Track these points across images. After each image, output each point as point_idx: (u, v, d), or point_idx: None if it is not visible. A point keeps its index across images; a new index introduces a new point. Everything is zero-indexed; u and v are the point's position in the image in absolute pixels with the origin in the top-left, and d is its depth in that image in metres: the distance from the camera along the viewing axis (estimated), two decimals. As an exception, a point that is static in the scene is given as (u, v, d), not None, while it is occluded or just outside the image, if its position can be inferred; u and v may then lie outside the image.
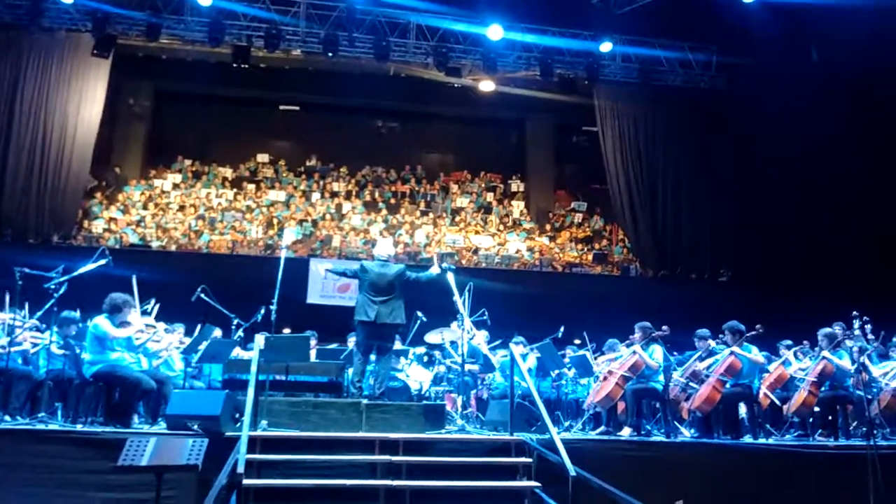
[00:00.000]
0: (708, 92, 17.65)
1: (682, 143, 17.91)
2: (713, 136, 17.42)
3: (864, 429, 7.85)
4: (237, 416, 7.35)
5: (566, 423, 9.42)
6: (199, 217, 17.51)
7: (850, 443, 8.35)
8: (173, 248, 16.21)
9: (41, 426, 7.30)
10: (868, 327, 9.59)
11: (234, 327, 9.63)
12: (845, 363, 8.70)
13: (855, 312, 8.83)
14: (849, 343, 8.87)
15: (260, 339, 7.18)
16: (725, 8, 15.42)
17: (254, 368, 6.73)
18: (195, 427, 6.81)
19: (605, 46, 16.68)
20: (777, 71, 15.89)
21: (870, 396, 8.89)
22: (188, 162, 19.78)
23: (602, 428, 8.88)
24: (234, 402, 7.35)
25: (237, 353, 9.78)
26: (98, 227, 16.55)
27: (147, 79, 19.18)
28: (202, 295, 9.21)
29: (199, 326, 9.51)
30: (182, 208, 17.92)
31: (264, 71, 18.13)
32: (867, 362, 9.02)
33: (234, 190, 19.22)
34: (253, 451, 6.41)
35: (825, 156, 15.88)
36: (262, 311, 8.76)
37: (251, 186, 19.41)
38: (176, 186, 18.86)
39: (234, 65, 16.43)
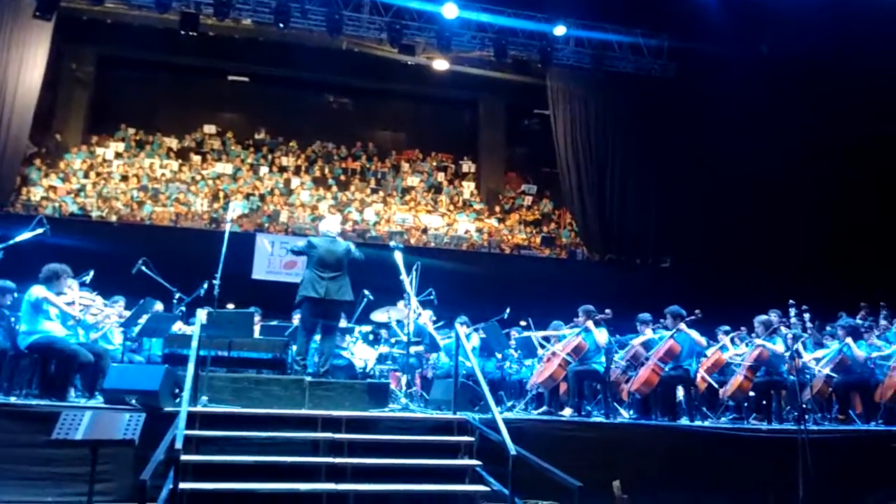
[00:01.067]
0: (659, 79, 17.83)
1: (632, 129, 18.12)
2: (663, 122, 17.63)
3: (796, 413, 8.10)
4: (177, 391, 7.23)
5: (509, 403, 9.53)
6: (141, 188, 17.09)
7: (783, 427, 8.62)
8: (114, 218, 15.79)
9: (-27, 398, 7.08)
10: (806, 315, 9.90)
11: (175, 301, 9.46)
12: (779, 349, 8.96)
13: (791, 301, 9.09)
14: (784, 330, 9.13)
15: (202, 314, 7.06)
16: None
17: (194, 343, 6.61)
18: (133, 402, 6.69)
19: (559, 30, 16.71)
20: (726, 59, 16.11)
21: (803, 382, 9.22)
22: (132, 131, 19.25)
23: (544, 408, 9.00)
24: (175, 377, 7.23)
25: (179, 327, 9.61)
26: (37, 194, 16.04)
27: (91, 44, 18.58)
28: (143, 268, 9.02)
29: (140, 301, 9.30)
30: (125, 178, 17.46)
31: (213, 39, 17.71)
32: (801, 349, 9.33)
33: (179, 161, 18.80)
34: (192, 427, 6.32)
35: (771, 144, 16.22)
36: (206, 286, 8.61)
37: (197, 158, 19.01)
38: (119, 155, 18.35)
39: (182, 32, 15.97)
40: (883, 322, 10.30)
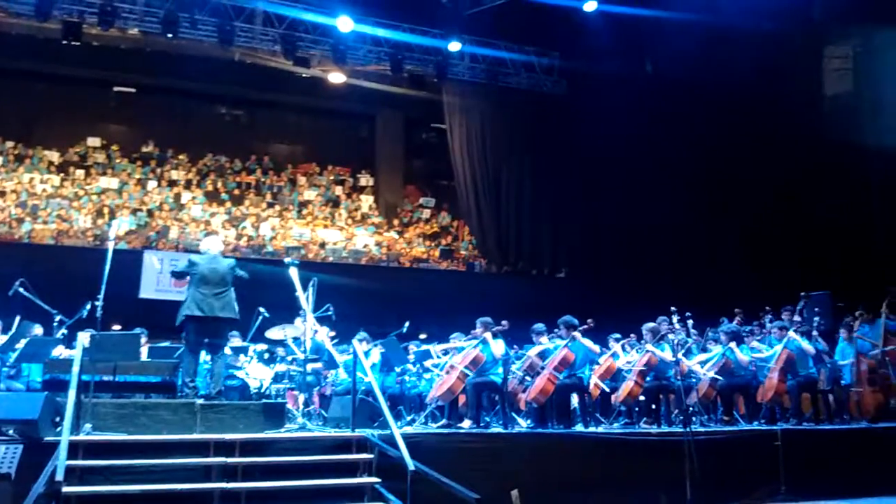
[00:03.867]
0: (550, 95, 18.36)
1: (526, 144, 18.54)
2: (555, 137, 18.13)
3: (683, 416, 8.44)
4: (58, 419, 6.84)
5: (409, 418, 9.51)
6: (20, 204, 16.18)
7: (671, 430, 8.95)
8: (-10, 236, 14.89)
9: None
10: (690, 322, 10.34)
11: (56, 324, 8.99)
12: (667, 355, 9.32)
13: (673, 308, 9.45)
14: (671, 336, 9.49)
15: (84, 337, 6.74)
16: (568, 16, 16.13)
17: (75, 368, 6.32)
18: (10, 432, 6.29)
19: (454, 46, 16.95)
20: (614, 77, 16.76)
21: (689, 386, 9.62)
22: (10, 144, 18.22)
23: (443, 421, 9.03)
24: (55, 404, 6.84)
25: (60, 352, 9.11)
26: None
27: (-36, 52, 17.48)
28: (21, 289, 8.54)
29: (15, 323, 8.79)
30: (2, 194, 16.48)
31: (98, 49, 17.02)
32: (682, 355, 9.72)
33: (61, 175, 17.94)
34: (75, 457, 6.01)
35: (658, 158, 16.92)
36: (88, 307, 8.22)
37: (80, 172, 18.19)
38: (-5, 170, 17.33)
39: (64, 41, 15.27)
40: (769, 325, 10.86)
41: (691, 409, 9.32)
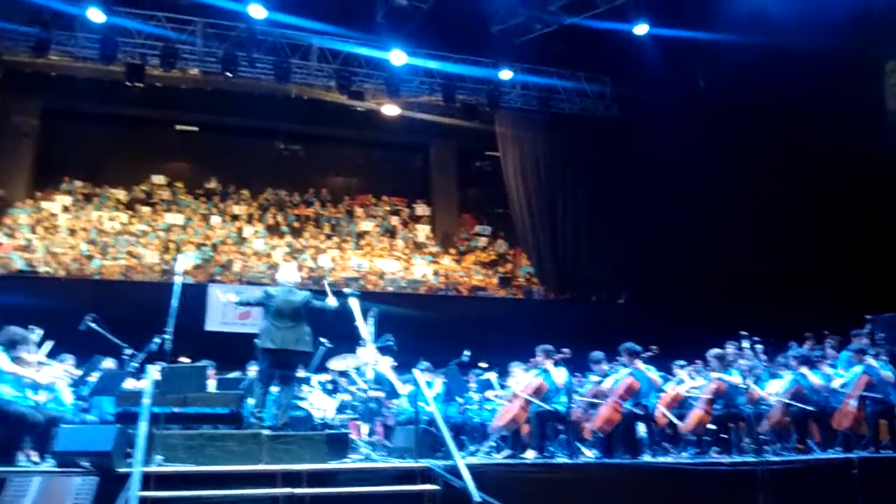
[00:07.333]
0: (603, 119, 18.30)
1: (580, 168, 18.46)
2: (610, 161, 18.01)
3: (755, 445, 8.19)
4: (130, 451, 6.99)
5: (472, 448, 9.43)
6: (90, 241, 16.75)
7: (743, 459, 8.69)
8: (62, 274, 15.42)
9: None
10: (759, 347, 10.05)
11: (127, 358, 9.21)
12: (736, 381, 9.08)
13: (743, 333, 9.22)
14: (739, 362, 9.26)
15: (154, 370, 6.88)
16: (619, 40, 16.07)
17: (146, 400, 6.44)
18: (85, 464, 6.45)
19: (505, 74, 17.03)
20: (665, 100, 16.61)
21: (760, 413, 9.35)
22: (78, 183, 18.91)
23: (507, 451, 8.94)
24: (127, 436, 6.98)
25: (131, 384, 9.33)
26: (-19, 252, 15.61)
27: (35, 96, 18.27)
28: (92, 324, 8.78)
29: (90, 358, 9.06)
30: (72, 232, 17.10)
31: (160, 90, 17.59)
32: (750, 384, 9.46)
33: (129, 213, 18.51)
34: (147, 489, 6.11)
35: (712, 180, 16.64)
36: (158, 340, 8.41)
37: (146, 209, 18.73)
38: (66, 209, 17.99)
39: (128, 83, 15.88)
40: (830, 351, 10.50)
41: (763, 437, 9.04)
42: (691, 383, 9.83)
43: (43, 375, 7.99)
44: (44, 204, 17.97)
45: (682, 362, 10.25)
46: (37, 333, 8.53)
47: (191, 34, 15.74)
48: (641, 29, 15.74)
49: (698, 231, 17.00)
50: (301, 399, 9.75)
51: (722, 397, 9.18)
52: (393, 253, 19.10)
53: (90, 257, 16.14)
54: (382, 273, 17.76)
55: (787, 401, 9.40)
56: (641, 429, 9.29)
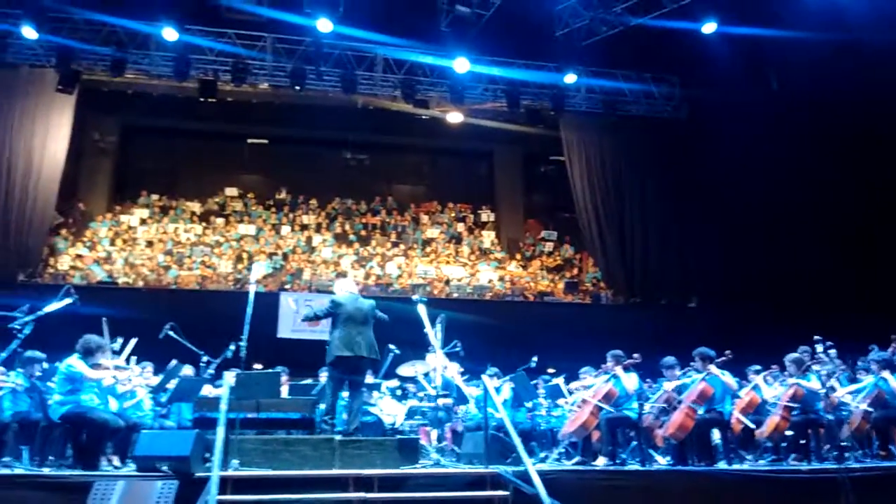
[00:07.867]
0: (671, 121, 17.98)
1: (647, 171, 18.18)
2: (679, 162, 17.69)
3: (836, 451, 7.91)
4: (207, 455, 7.19)
5: (542, 454, 9.38)
6: (167, 252, 17.32)
7: (823, 466, 8.40)
8: (141, 284, 15.99)
9: (6, 471, 7.06)
10: (833, 352, 9.71)
11: (203, 364, 9.48)
12: (815, 386, 8.79)
13: (817, 337, 8.93)
14: (816, 367, 8.96)
15: (229, 376, 7.06)
16: (686, 39, 15.78)
17: (223, 406, 6.61)
18: (165, 468, 6.66)
19: (570, 78, 16.91)
20: (736, 99, 16.23)
21: (840, 419, 9.02)
22: (155, 197, 19.60)
23: (577, 458, 8.85)
24: (205, 441, 7.19)
25: (207, 391, 9.60)
26: (64, 264, 16.29)
27: (113, 114, 19.07)
28: (170, 332, 9.07)
29: (171, 364, 9.35)
30: (150, 244, 17.72)
31: (232, 104, 18.13)
32: (836, 385, 9.15)
33: (203, 224, 19.07)
34: (224, 492, 6.27)
35: (786, 180, 16.20)
36: (233, 348, 8.63)
37: (220, 220, 19.27)
38: (143, 222, 18.66)
39: (201, 99, 16.41)
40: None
41: (844, 443, 8.73)
42: (768, 389, 9.56)
43: (122, 379, 8.29)
44: (122, 217, 18.69)
45: (757, 367, 9.98)
46: (120, 345, 8.87)
47: (260, 50, 16.18)
48: (709, 27, 15.44)
49: (771, 232, 16.58)
50: (371, 405, 9.87)
51: (800, 403, 8.90)
52: (459, 259, 19.15)
53: (167, 268, 16.69)
54: (448, 279, 17.83)
55: (867, 407, 9.04)
56: (716, 435, 9.08)
